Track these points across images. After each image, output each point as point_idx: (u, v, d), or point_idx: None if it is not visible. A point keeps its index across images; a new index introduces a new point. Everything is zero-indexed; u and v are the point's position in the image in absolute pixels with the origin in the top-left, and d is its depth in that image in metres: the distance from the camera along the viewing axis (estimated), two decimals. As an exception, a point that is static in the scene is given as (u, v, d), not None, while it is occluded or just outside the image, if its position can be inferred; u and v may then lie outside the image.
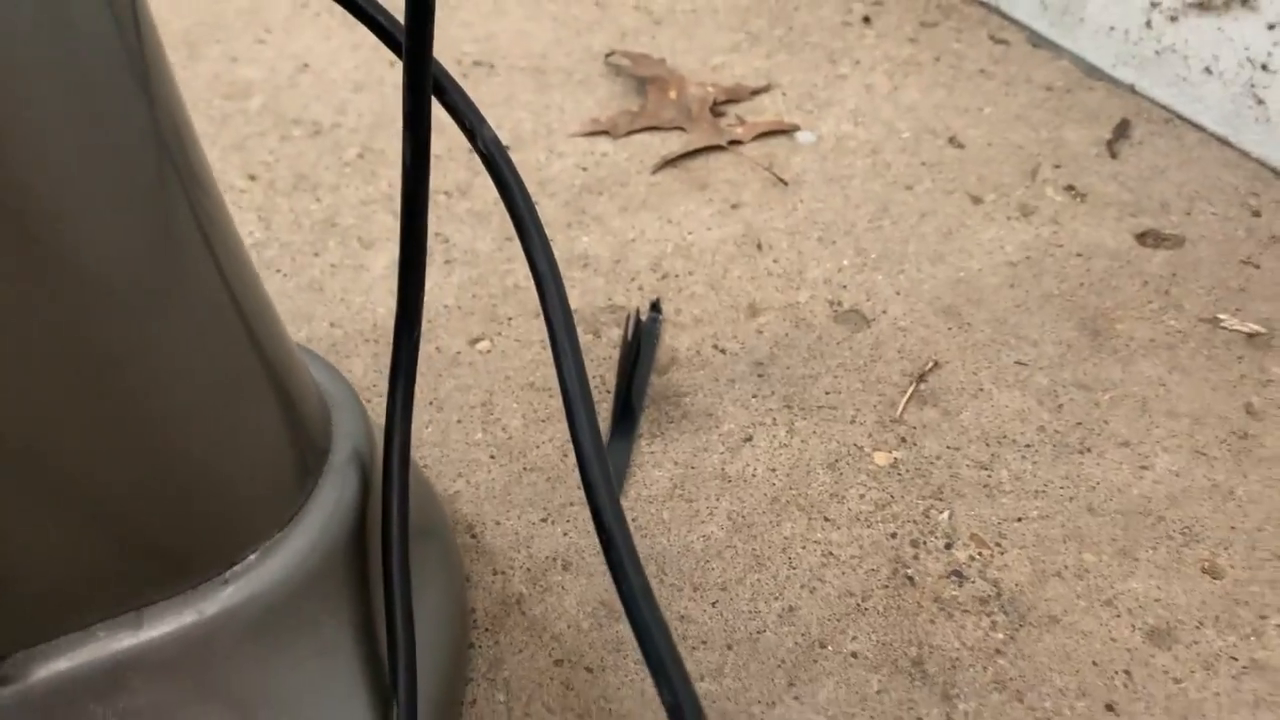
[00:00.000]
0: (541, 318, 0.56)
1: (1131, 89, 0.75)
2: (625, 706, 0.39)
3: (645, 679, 0.40)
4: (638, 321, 0.53)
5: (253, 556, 0.33)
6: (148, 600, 0.31)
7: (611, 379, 0.52)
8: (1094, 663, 0.41)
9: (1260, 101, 0.68)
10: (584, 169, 0.66)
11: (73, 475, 0.29)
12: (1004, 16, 0.83)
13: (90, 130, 0.26)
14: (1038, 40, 0.80)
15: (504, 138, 0.68)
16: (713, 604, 0.43)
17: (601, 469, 0.31)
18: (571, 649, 0.41)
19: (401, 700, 0.35)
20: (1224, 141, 0.70)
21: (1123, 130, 0.70)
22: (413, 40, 0.33)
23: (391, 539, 0.36)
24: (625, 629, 0.42)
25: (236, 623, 0.33)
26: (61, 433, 0.28)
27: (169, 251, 0.29)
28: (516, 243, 0.60)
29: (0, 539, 0.28)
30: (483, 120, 0.39)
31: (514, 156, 0.66)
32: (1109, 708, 0.40)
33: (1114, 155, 0.68)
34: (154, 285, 0.28)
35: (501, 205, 0.63)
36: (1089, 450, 0.49)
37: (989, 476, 0.48)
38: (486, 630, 0.42)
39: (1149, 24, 0.74)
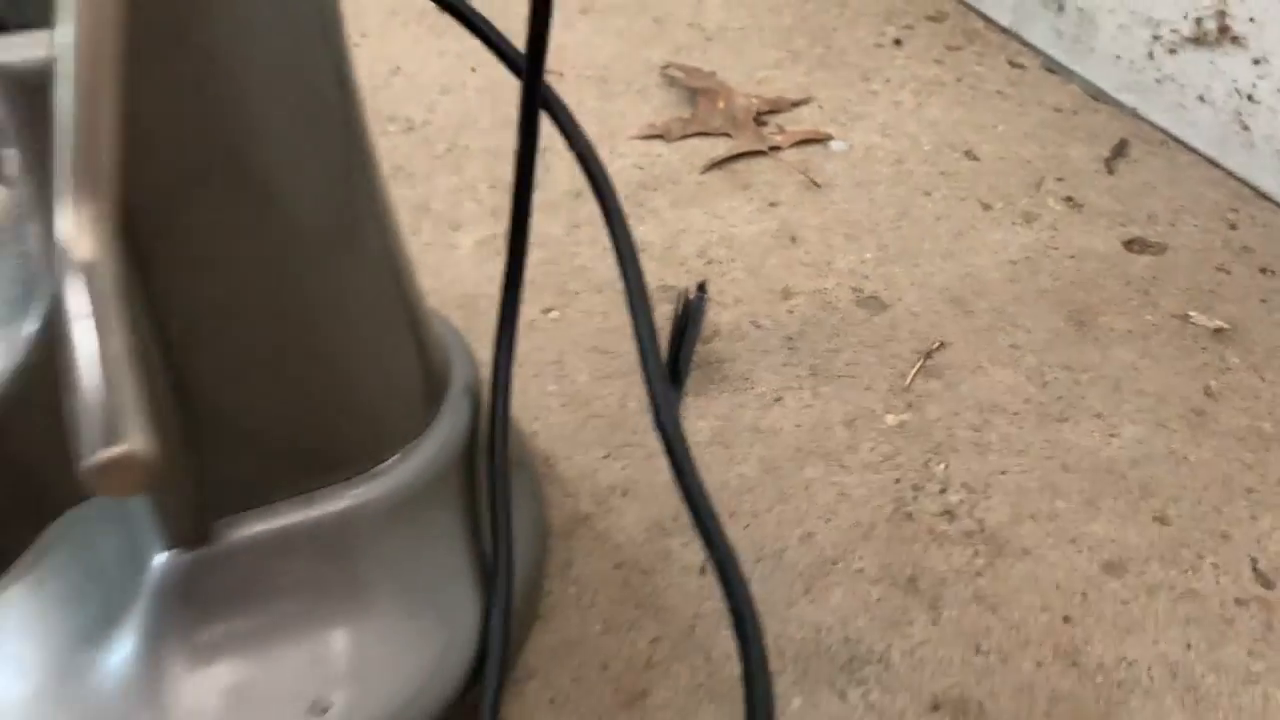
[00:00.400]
0: (602, 294, 0.65)
1: (1133, 113, 0.83)
2: (672, 601, 0.49)
3: (688, 580, 0.49)
4: (687, 299, 0.62)
5: (394, 459, 0.42)
6: (316, 486, 0.41)
7: (664, 346, 0.61)
8: (1057, 586, 0.50)
9: (1246, 128, 0.76)
10: (641, 168, 0.75)
11: (273, 392, 0.38)
12: (1022, 43, 0.92)
13: (302, 102, 0.35)
14: (1051, 65, 0.88)
15: (572, 138, 0.77)
16: (744, 527, 0.52)
17: (664, 391, 0.40)
18: (629, 556, 0.50)
19: (500, 580, 0.44)
20: (1212, 162, 0.78)
21: (1121, 149, 0.79)
22: (531, 64, 0.42)
23: (496, 455, 0.46)
24: (673, 542, 0.51)
25: (379, 508, 0.42)
26: (269, 360, 0.38)
27: (352, 203, 0.38)
28: (583, 229, 0.70)
29: (220, 437, 0.38)
30: (577, 126, 0.48)
31: (581, 155, 0.76)
32: (1066, 619, 0.48)
33: (1111, 171, 0.76)
34: (340, 232, 0.38)
35: (569, 197, 0.72)
36: (1067, 419, 0.58)
37: (980, 437, 0.57)
38: (560, 539, 0.51)
39: (1151, 55, 0.82)
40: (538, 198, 0.72)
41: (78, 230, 0.24)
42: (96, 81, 0.23)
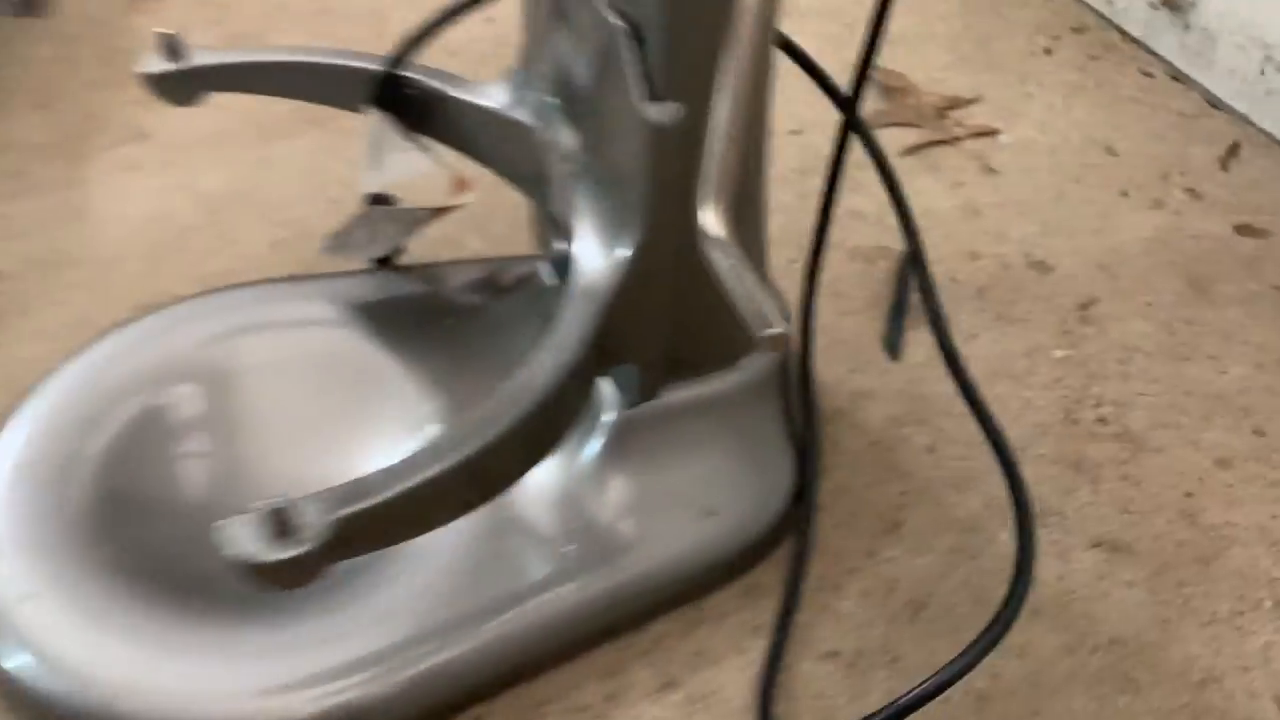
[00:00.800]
0: (830, 251, 0.86)
1: (1245, 119, 1.02)
2: (910, 468, 0.70)
3: (921, 455, 0.71)
4: (903, 258, 0.83)
5: (748, 358, 0.64)
6: (707, 371, 0.62)
7: (888, 293, 0.82)
8: (1181, 473, 0.71)
9: (1338, 137, 0.95)
10: (854, 151, 0.95)
11: (698, 310, 0.60)
12: (1152, 53, 1.10)
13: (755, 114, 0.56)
14: (1176, 75, 1.07)
15: (793, 124, 0.98)
16: (958, 423, 0.73)
17: (938, 313, 0.62)
18: (876, 438, 0.72)
19: (809, 452, 0.66)
20: (1308, 164, 0.97)
21: (1234, 151, 0.97)
22: (856, 88, 0.63)
23: (807, 362, 0.67)
24: (907, 430, 0.72)
25: (741, 389, 0.64)
26: (696, 288, 0.59)
27: (755, 172, 0.59)
28: (810, 199, 0.90)
29: (670, 337, 0.60)
30: (876, 142, 0.69)
31: (801, 139, 0.96)
32: (1188, 494, 0.69)
33: (1225, 169, 0.95)
34: (749, 192, 0.59)
35: (796, 174, 0.93)
36: (1189, 359, 0.78)
37: (1125, 369, 0.77)
38: (828, 424, 0.73)
39: (1263, 71, 1.00)
40: (770, 172, 0.93)
41: (719, 222, 0.45)
42: (737, 135, 0.45)
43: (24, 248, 0.81)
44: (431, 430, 0.65)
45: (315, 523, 0.42)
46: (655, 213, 0.51)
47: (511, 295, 0.72)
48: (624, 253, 0.52)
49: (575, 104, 0.56)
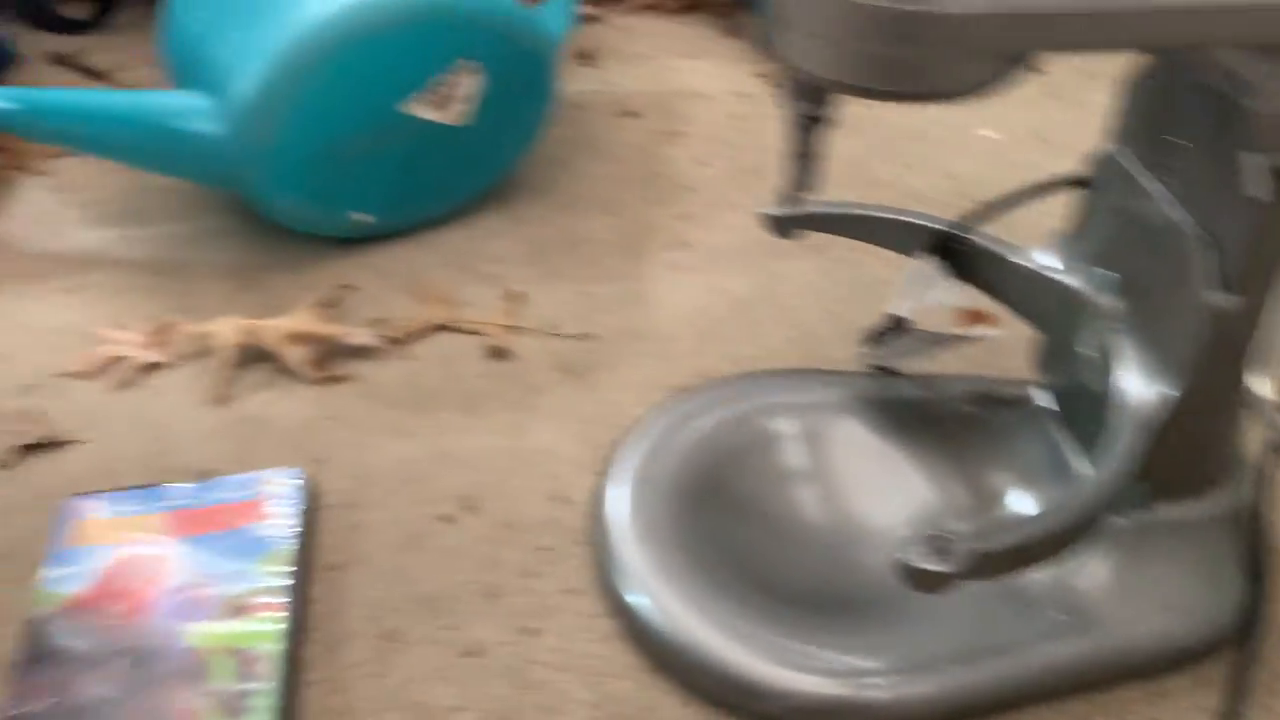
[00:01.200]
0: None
1: None
2: None
3: None
4: None
5: (1216, 493, 0.79)
6: (1184, 498, 0.78)
7: None
8: None
9: None
10: None
11: (1193, 450, 0.76)
12: None
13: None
14: None
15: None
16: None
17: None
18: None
19: (1260, 577, 0.79)
20: None
21: None
22: None
23: (1262, 505, 0.81)
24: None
25: (1206, 518, 0.79)
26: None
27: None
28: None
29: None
30: None
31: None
32: None
33: None
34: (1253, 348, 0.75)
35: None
36: None
37: None
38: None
39: None
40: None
41: (1267, 386, 0.62)
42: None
43: (607, 320, 1.08)
44: (934, 513, 0.84)
45: (963, 551, 0.61)
46: (1202, 369, 0.68)
47: (1005, 412, 0.90)
48: (1170, 393, 0.69)
49: (1124, 274, 0.74)
